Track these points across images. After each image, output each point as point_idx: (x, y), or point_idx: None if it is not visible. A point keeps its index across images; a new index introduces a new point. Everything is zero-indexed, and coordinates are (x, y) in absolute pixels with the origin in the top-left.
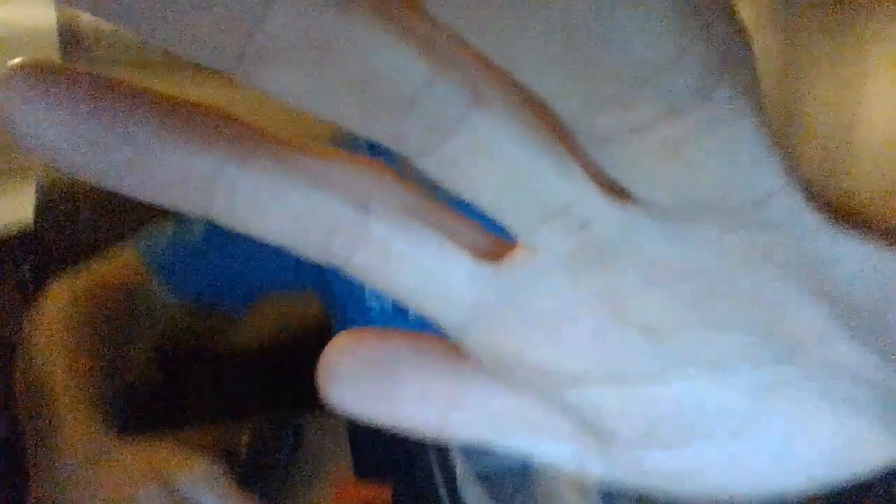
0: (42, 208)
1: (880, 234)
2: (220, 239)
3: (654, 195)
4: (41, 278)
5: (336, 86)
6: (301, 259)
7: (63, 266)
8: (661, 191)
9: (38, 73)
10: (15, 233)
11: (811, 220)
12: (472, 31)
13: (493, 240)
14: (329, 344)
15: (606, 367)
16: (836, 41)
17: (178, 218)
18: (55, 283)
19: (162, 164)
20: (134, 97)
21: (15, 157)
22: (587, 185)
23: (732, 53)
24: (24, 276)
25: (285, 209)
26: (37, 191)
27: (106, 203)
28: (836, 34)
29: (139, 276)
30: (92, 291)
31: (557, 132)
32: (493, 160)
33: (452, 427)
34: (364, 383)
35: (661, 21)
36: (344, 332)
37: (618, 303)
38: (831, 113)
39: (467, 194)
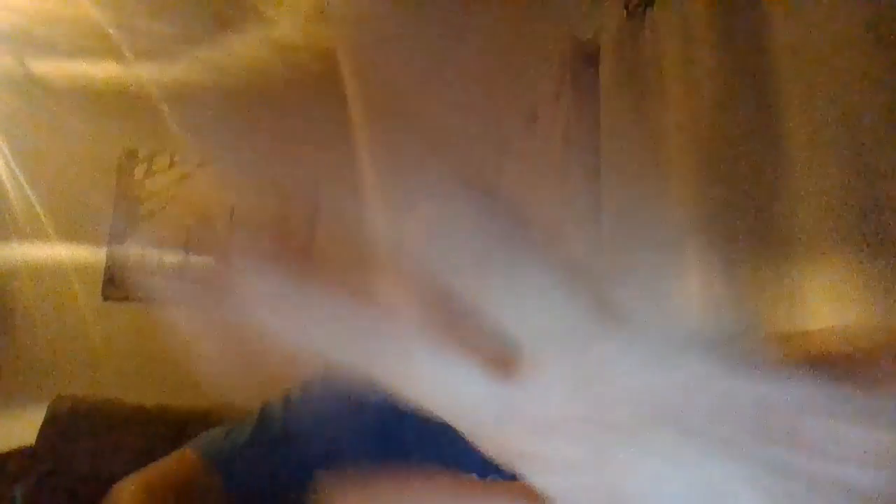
0: (47, 427)
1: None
2: (265, 436)
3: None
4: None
5: None
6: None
7: (57, 490)
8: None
9: None
10: (11, 450)
11: (766, 359)
12: None
13: (504, 352)
14: None
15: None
16: None
17: (231, 422)
18: (124, 480)
19: None
20: None
21: (28, 380)
22: (592, 310)
23: None
24: (14, 494)
25: None
26: (48, 411)
27: (107, 432)
28: None
29: (200, 472)
30: (157, 485)
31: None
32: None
33: None
34: None
35: None
36: None
37: (602, 417)
38: None
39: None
